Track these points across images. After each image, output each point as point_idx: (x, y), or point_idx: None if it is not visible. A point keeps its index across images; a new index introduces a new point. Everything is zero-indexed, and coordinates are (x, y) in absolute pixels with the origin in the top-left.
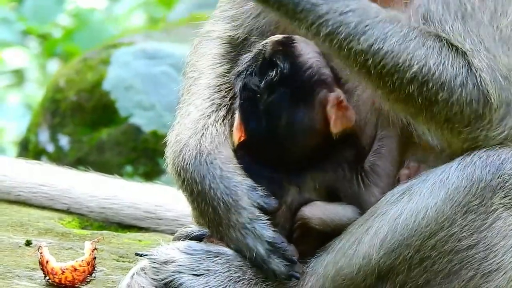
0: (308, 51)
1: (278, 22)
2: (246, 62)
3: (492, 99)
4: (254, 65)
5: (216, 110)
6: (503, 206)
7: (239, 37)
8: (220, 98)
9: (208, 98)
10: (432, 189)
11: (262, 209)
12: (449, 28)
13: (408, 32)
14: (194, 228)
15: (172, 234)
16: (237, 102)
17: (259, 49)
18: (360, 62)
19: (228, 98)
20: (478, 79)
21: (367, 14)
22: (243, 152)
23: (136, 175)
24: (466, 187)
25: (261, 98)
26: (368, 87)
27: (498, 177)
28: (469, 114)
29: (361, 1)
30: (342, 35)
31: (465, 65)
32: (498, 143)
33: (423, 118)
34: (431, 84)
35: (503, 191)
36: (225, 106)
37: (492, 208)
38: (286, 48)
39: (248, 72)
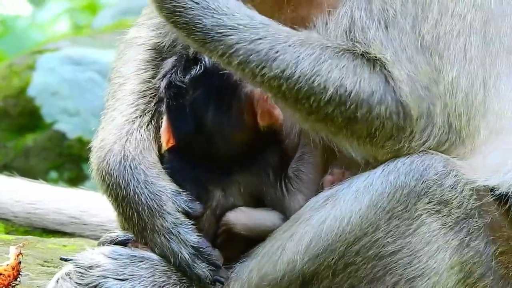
0: None
1: None
2: (170, 63)
3: (412, 111)
4: (178, 64)
5: (141, 115)
6: (427, 212)
7: (164, 44)
8: (144, 104)
9: (133, 103)
10: (356, 195)
11: (187, 214)
12: (372, 36)
13: (320, 54)
14: (119, 233)
15: (97, 239)
16: (163, 106)
17: (183, 51)
18: (274, 88)
19: (153, 104)
20: (397, 93)
21: (277, 40)
22: (171, 155)
23: (61, 181)
24: (390, 193)
25: (187, 94)
26: (286, 110)
27: (422, 182)
28: (391, 127)
29: (270, 27)
30: (254, 63)
31: (382, 80)
32: (422, 151)
33: (343, 135)
34: (348, 104)
35: (427, 196)
36: (149, 111)
37: (416, 214)
38: None
39: (172, 72)
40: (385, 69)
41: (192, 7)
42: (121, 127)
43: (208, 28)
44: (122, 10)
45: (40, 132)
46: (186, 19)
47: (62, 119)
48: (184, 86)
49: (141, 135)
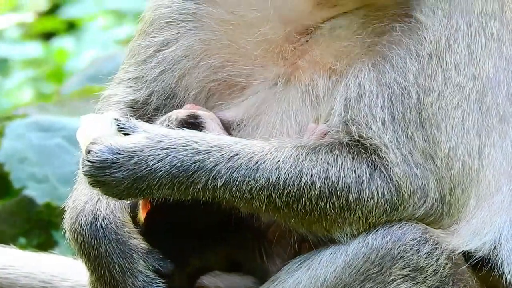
0: (213, 126)
1: (178, 81)
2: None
3: (404, 190)
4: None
5: None
6: (401, 277)
7: (139, 100)
8: None
9: None
10: (332, 256)
11: (158, 272)
12: (375, 115)
13: (298, 154)
14: None
15: None
16: None
17: (165, 124)
18: (265, 199)
19: None
20: (387, 174)
21: (253, 151)
22: (148, 219)
23: (29, 247)
24: (365, 253)
25: None
26: (281, 221)
27: (399, 246)
28: (384, 205)
29: (242, 141)
30: (238, 180)
31: (368, 163)
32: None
33: (339, 225)
34: (339, 193)
35: (403, 261)
36: None
37: (391, 278)
38: (190, 126)
39: None
40: (375, 153)
41: (165, 154)
42: None
43: (186, 163)
44: (90, 77)
45: (8, 198)
46: (165, 169)
47: (31, 185)
48: None
49: None
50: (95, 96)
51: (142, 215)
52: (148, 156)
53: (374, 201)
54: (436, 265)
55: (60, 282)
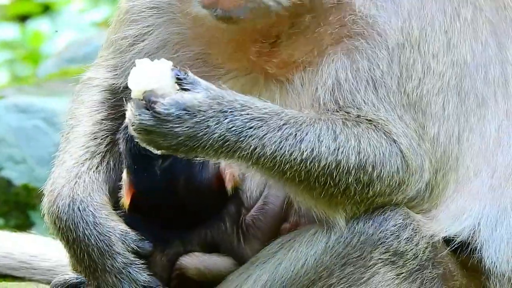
0: None
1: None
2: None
3: (411, 165)
4: None
5: (91, 157)
6: (382, 262)
7: (120, 86)
8: (95, 146)
9: (83, 145)
10: (313, 239)
11: (137, 253)
12: (362, 98)
13: (332, 127)
14: (71, 275)
15: (48, 283)
16: (124, 163)
17: None
18: (304, 170)
19: (104, 145)
20: (399, 147)
21: (298, 121)
22: (131, 211)
23: (7, 228)
24: (347, 238)
25: (156, 164)
26: (297, 193)
27: (380, 232)
28: (395, 182)
29: (286, 110)
30: (286, 149)
31: (387, 136)
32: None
33: (348, 203)
34: (368, 167)
35: (383, 246)
36: (100, 153)
37: (371, 262)
38: None
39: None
40: (384, 127)
41: (224, 117)
42: (70, 170)
43: (240, 128)
44: (67, 59)
45: None
46: (220, 131)
47: (8, 167)
48: (153, 156)
49: (90, 177)
50: (73, 78)
51: (126, 200)
52: (211, 117)
53: (390, 178)
54: (416, 250)
55: (39, 262)
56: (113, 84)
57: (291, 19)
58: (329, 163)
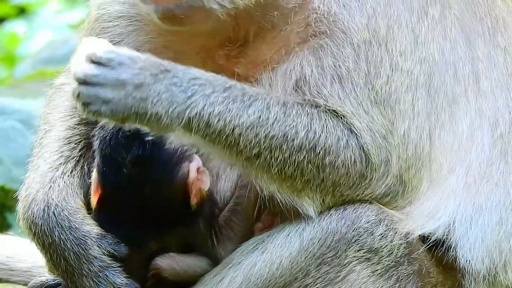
0: None
1: None
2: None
3: (373, 159)
4: (118, 132)
5: (65, 162)
6: (357, 260)
7: None
8: (69, 151)
9: (57, 150)
10: (287, 240)
11: (113, 257)
12: (328, 92)
13: (287, 101)
14: (48, 277)
15: (25, 285)
16: (95, 160)
17: None
18: (252, 139)
19: (78, 150)
20: (360, 140)
21: (245, 88)
22: (102, 211)
23: None
24: (321, 238)
25: (125, 169)
26: (256, 173)
27: (353, 230)
28: (354, 175)
29: (230, 81)
30: (233, 111)
31: (345, 127)
32: (370, 200)
33: (310, 188)
34: (318, 149)
35: (357, 244)
36: (74, 158)
37: (346, 260)
38: None
39: (111, 139)
40: (346, 119)
41: (166, 71)
42: (44, 175)
43: (184, 84)
44: (43, 60)
45: None
46: (165, 83)
47: None
48: (123, 161)
49: (64, 182)
50: (49, 79)
51: (94, 200)
52: (155, 71)
53: (346, 169)
54: (391, 246)
55: (16, 263)
56: None
57: (256, 21)
58: (277, 134)
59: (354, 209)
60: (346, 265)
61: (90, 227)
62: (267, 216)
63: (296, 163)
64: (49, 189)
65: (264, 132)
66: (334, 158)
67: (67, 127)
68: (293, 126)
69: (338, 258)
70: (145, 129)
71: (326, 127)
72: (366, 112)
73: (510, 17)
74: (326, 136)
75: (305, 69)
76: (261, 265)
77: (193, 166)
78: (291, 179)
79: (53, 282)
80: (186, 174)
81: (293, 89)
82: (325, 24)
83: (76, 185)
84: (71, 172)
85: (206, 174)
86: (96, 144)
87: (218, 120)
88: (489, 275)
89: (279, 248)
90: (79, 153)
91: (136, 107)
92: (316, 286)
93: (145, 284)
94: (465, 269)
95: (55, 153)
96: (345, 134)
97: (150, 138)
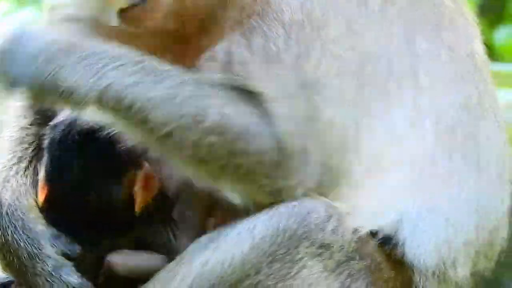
0: None
1: None
2: (59, 125)
3: (289, 147)
4: (67, 135)
5: (18, 162)
6: (308, 255)
7: None
8: (22, 151)
9: (10, 150)
10: (238, 238)
11: (66, 256)
12: (252, 70)
13: (199, 80)
14: (1, 275)
15: None
16: (44, 159)
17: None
18: (159, 117)
19: (31, 150)
20: (275, 128)
21: (158, 64)
22: (50, 211)
23: None
24: (272, 236)
25: (71, 172)
26: (170, 155)
27: (304, 226)
28: (268, 163)
29: (144, 55)
30: (143, 85)
31: (262, 113)
32: (303, 193)
33: (225, 176)
34: (229, 134)
35: (308, 240)
36: (26, 158)
37: (298, 257)
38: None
39: (60, 141)
40: (265, 104)
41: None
42: None
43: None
44: None
45: None
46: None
47: None
48: (70, 166)
49: (17, 182)
50: None
51: (40, 199)
52: (61, 41)
53: (257, 156)
54: (342, 241)
55: None
56: None
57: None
58: (187, 113)
59: (304, 206)
60: (297, 261)
61: (44, 227)
62: (219, 211)
63: (207, 146)
64: (2, 189)
65: (174, 110)
66: (245, 145)
67: (20, 127)
68: (205, 107)
69: (290, 254)
70: (62, 105)
71: (239, 112)
72: (290, 96)
73: (456, 15)
74: (238, 122)
75: (234, 48)
76: (213, 262)
77: (140, 174)
78: (205, 163)
79: (4, 281)
80: (132, 182)
81: (221, 68)
82: (259, 4)
83: (29, 185)
84: (24, 171)
85: (154, 180)
86: (45, 144)
87: (127, 94)
88: (438, 272)
89: (230, 246)
90: (32, 153)
91: (48, 82)
92: (269, 283)
93: (98, 282)
94: (414, 265)
95: (9, 153)
96: (259, 120)
97: (98, 143)
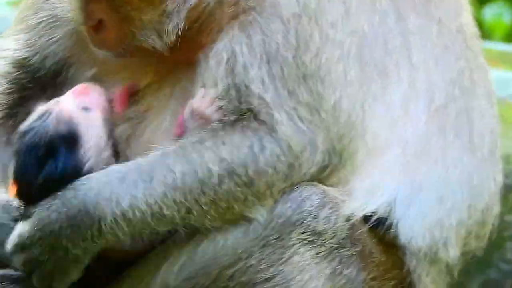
0: (92, 134)
1: (73, 50)
2: (31, 124)
3: (294, 147)
4: (32, 150)
5: None
6: (300, 242)
7: (30, 60)
8: None
9: None
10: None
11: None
12: (254, 74)
13: (184, 150)
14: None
15: None
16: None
17: (45, 112)
18: (174, 205)
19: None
20: (277, 134)
21: (138, 164)
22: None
23: None
24: (266, 221)
25: (34, 184)
26: (200, 223)
27: (298, 213)
28: (283, 168)
29: (123, 164)
30: (140, 196)
31: (260, 126)
32: (309, 179)
33: (250, 204)
34: (237, 170)
35: (302, 227)
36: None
37: (290, 243)
38: (68, 129)
39: (25, 155)
40: (260, 117)
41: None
42: None
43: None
44: None
45: None
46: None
47: None
48: (36, 177)
49: None
50: None
51: (11, 191)
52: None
53: (272, 168)
54: (334, 228)
55: None
56: (23, 57)
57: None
58: (192, 184)
59: (299, 192)
60: (289, 247)
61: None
62: None
63: (225, 194)
64: None
65: (181, 193)
66: (256, 166)
67: None
68: (203, 168)
69: (282, 240)
70: None
71: (234, 146)
72: (291, 93)
73: None
74: (238, 154)
75: (235, 47)
76: (205, 244)
77: None
78: (229, 210)
79: (15, 276)
80: None
81: (224, 69)
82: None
83: None
84: None
85: None
86: (14, 147)
87: (134, 213)
88: (430, 252)
89: (223, 228)
90: (3, 121)
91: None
92: (260, 267)
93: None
94: (406, 247)
95: None
96: (258, 136)
97: (62, 163)
